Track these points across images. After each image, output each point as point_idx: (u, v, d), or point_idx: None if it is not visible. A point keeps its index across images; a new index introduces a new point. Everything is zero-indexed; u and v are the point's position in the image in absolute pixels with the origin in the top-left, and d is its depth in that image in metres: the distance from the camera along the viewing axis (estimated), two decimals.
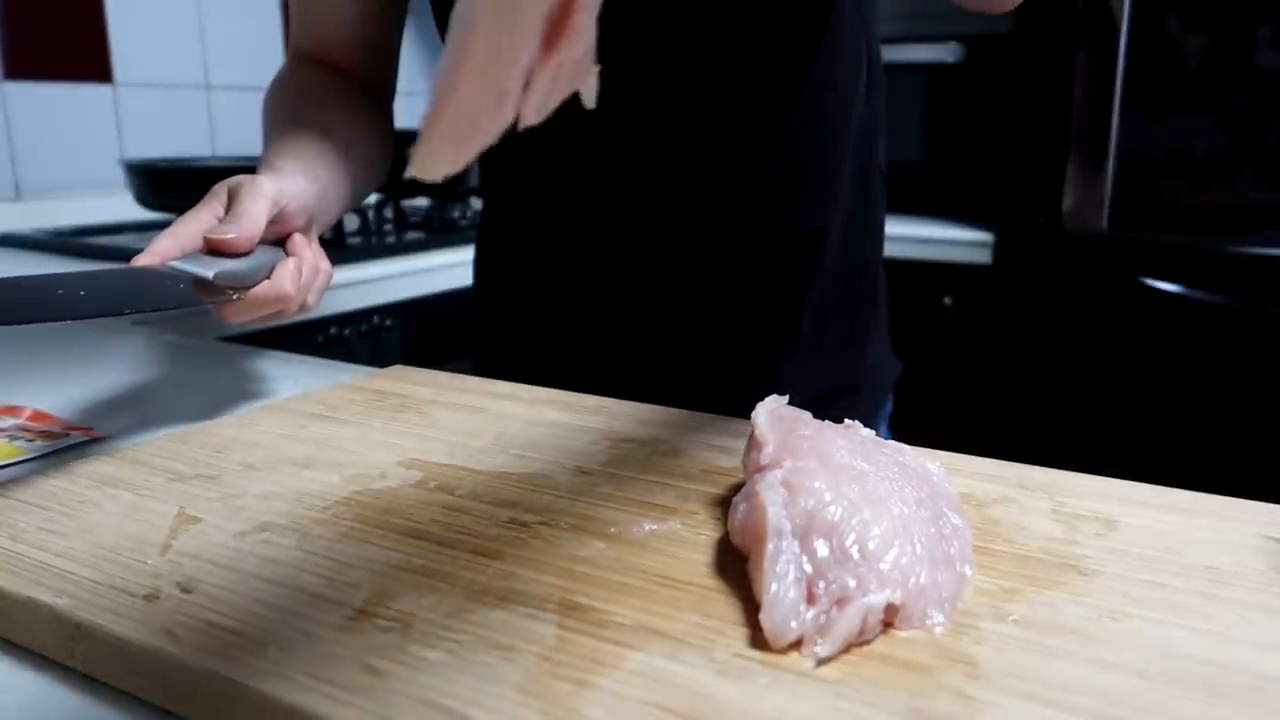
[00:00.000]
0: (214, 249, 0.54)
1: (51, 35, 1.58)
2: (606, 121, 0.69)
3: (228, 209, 0.57)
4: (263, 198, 0.57)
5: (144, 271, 0.52)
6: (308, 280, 0.59)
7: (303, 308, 0.60)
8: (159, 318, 1.04)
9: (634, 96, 0.67)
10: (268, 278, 0.56)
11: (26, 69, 1.55)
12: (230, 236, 0.54)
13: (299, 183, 0.61)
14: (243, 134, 1.85)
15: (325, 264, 0.62)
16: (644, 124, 0.68)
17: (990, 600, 0.34)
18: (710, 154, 0.68)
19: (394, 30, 0.79)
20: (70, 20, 1.60)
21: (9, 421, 0.59)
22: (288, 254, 0.59)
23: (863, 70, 0.72)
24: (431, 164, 0.24)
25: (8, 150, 1.54)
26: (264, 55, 1.89)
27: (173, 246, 0.54)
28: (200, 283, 0.52)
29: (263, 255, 0.57)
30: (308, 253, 0.60)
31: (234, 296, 0.54)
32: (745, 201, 0.69)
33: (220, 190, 0.58)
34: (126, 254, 1.42)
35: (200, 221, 0.56)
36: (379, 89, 0.79)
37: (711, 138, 0.68)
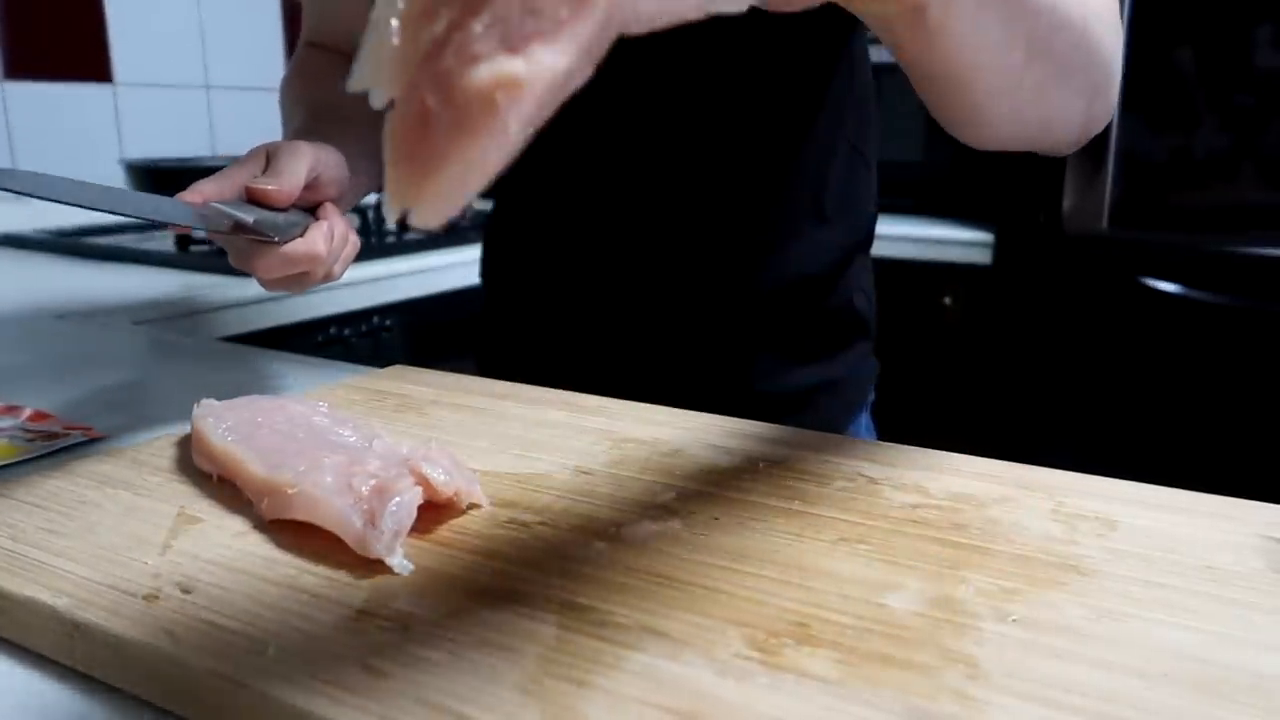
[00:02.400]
0: (254, 198, 0.55)
1: (51, 35, 1.58)
2: (614, 122, 0.69)
3: (265, 169, 0.58)
4: (302, 159, 0.58)
5: (188, 205, 0.54)
6: (338, 247, 0.60)
7: (328, 276, 0.60)
8: (158, 316, 1.04)
9: (643, 101, 0.67)
10: (301, 236, 0.57)
11: (26, 69, 1.55)
12: (271, 188, 0.55)
13: (335, 154, 0.61)
14: (243, 134, 1.85)
15: (354, 236, 0.63)
16: (652, 129, 0.68)
17: (990, 600, 0.34)
18: (712, 161, 0.69)
19: None
20: (70, 20, 1.60)
21: (9, 421, 0.59)
22: (318, 219, 0.60)
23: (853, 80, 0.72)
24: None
25: (8, 150, 1.54)
26: (264, 55, 1.89)
27: (215, 190, 0.55)
28: (240, 225, 0.54)
29: (295, 216, 0.58)
30: (339, 220, 0.61)
31: (274, 239, 0.55)
32: (745, 202, 0.69)
33: (259, 151, 0.59)
34: (127, 254, 1.42)
35: (241, 174, 0.57)
36: None
37: (715, 147, 0.68)
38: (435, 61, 0.21)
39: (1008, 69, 0.43)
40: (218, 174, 0.56)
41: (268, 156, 0.59)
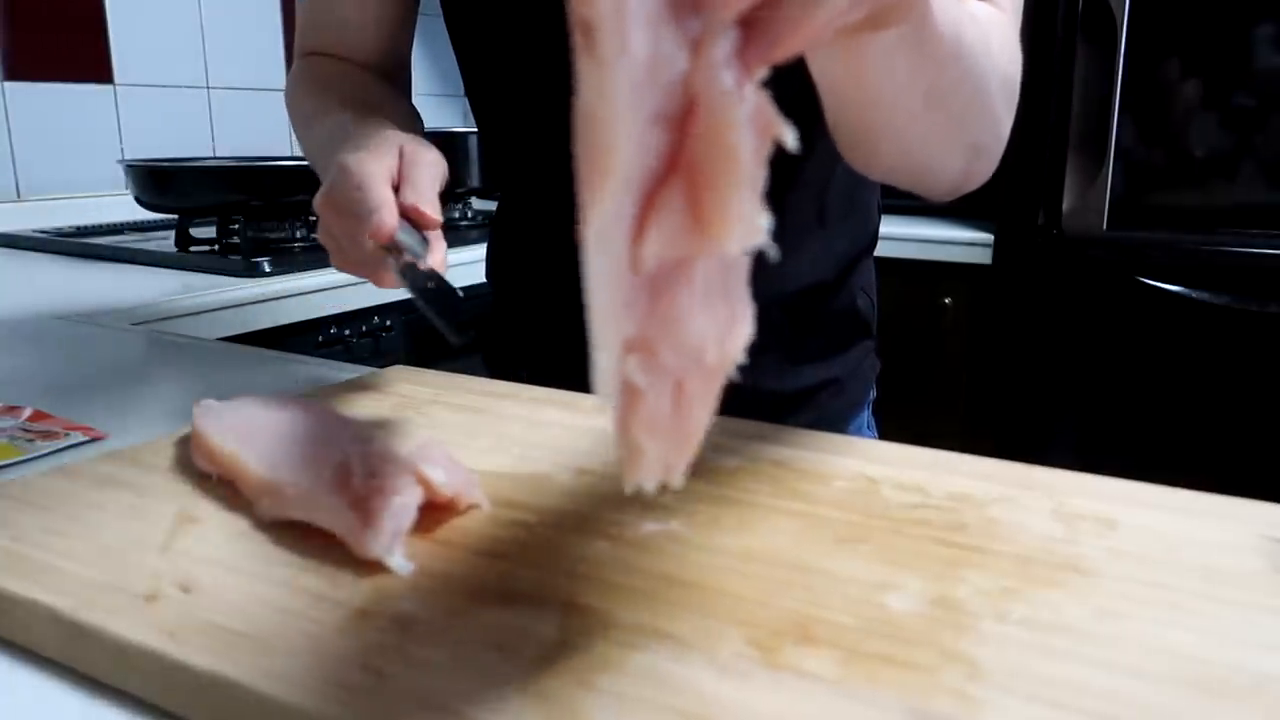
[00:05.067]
0: (410, 218, 0.53)
1: (51, 35, 1.58)
2: None
3: (399, 171, 0.55)
4: (437, 177, 0.56)
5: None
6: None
7: None
8: (158, 316, 1.04)
9: None
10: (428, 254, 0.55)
11: (26, 69, 1.55)
12: (430, 215, 0.53)
13: (442, 157, 0.59)
14: (243, 134, 1.85)
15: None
16: None
17: (990, 600, 0.34)
18: None
19: (407, 35, 0.80)
20: (70, 21, 1.60)
21: (9, 421, 0.59)
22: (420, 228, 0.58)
23: None
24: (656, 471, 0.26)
25: (8, 150, 1.54)
26: (264, 55, 1.89)
27: (393, 201, 0.52)
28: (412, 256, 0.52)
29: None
30: (440, 231, 0.59)
31: (420, 260, 0.53)
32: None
33: (393, 143, 0.56)
34: (127, 254, 1.42)
35: (387, 174, 0.54)
36: (399, 88, 0.80)
37: None
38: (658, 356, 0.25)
39: (903, 111, 0.45)
40: (373, 165, 0.53)
41: (401, 153, 0.56)
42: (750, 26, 0.24)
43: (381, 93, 0.74)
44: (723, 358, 0.25)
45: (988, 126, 0.52)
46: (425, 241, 0.54)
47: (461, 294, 0.51)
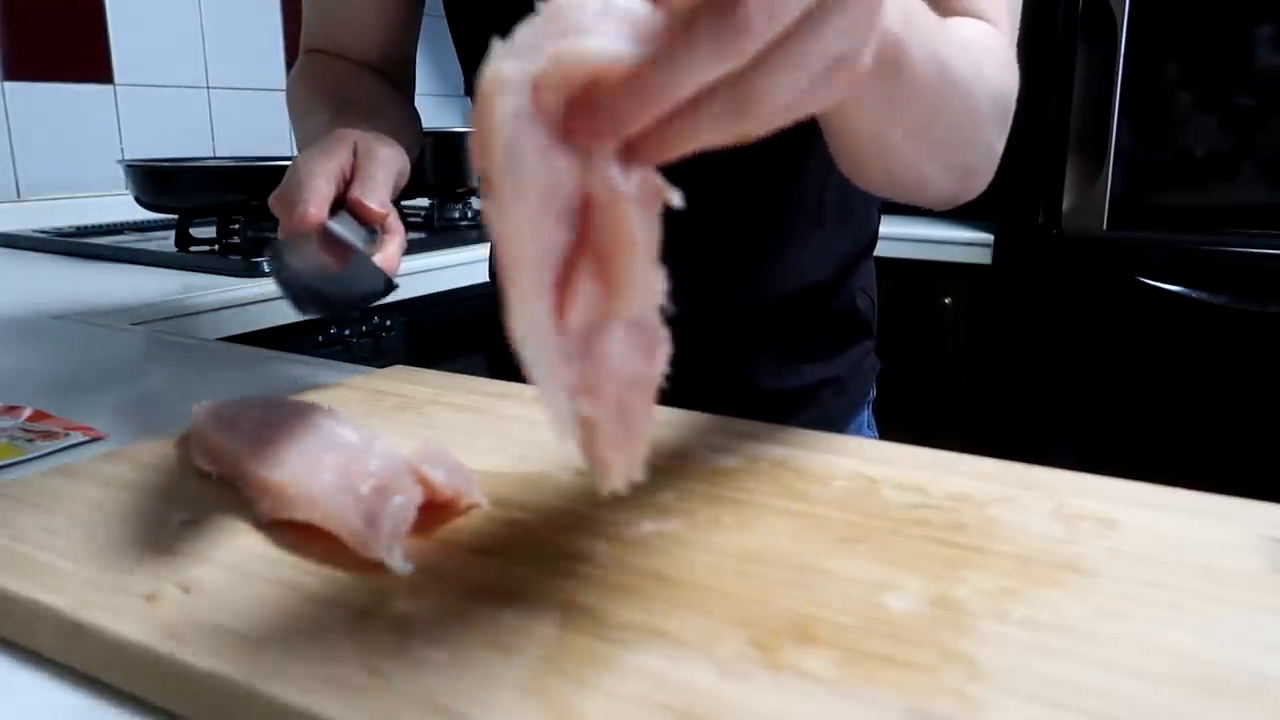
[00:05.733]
0: (355, 212, 0.53)
1: (51, 35, 1.58)
2: None
3: (352, 166, 0.56)
4: (391, 173, 0.56)
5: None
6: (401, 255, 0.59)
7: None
8: (158, 316, 1.04)
9: None
10: (379, 248, 0.56)
11: (26, 69, 1.55)
12: (375, 207, 0.53)
13: (401, 153, 0.60)
14: (243, 134, 1.85)
15: (404, 234, 0.62)
16: None
17: (990, 600, 0.34)
18: (715, 171, 0.68)
19: (412, 35, 0.80)
20: (70, 21, 1.60)
21: (9, 421, 0.59)
22: (383, 227, 0.58)
23: None
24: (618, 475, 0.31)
25: (8, 150, 1.54)
26: (264, 55, 1.89)
27: (330, 195, 0.53)
28: (350, 249, 0.52)
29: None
30: (401, 226, 0.59)
31: (367, 255, 0.54)
32: (747, 212, 0.70)
33: (347, 140, 0.57)
34: (127, 254, 1.42)
35: (336, 169, 0.54)
36: (401, 88, 0.80)
37: (717, 157, 0.68)
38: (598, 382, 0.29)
39: (887, 142, 0.46)
40: (316, 162, 0.54)
41: (355, 150, 0.57)
42: (640, 137, 0.27)
43: (376, 91, 0.74)
44: (653, 373, 0.31)
45: (978, 149, 0.53)
46: (374, 235, 0.55)
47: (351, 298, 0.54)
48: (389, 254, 0.55)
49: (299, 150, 0.73)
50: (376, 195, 0.54)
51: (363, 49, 0.78)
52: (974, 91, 0.48)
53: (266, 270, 0.54)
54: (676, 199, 0.28)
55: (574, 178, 0.27)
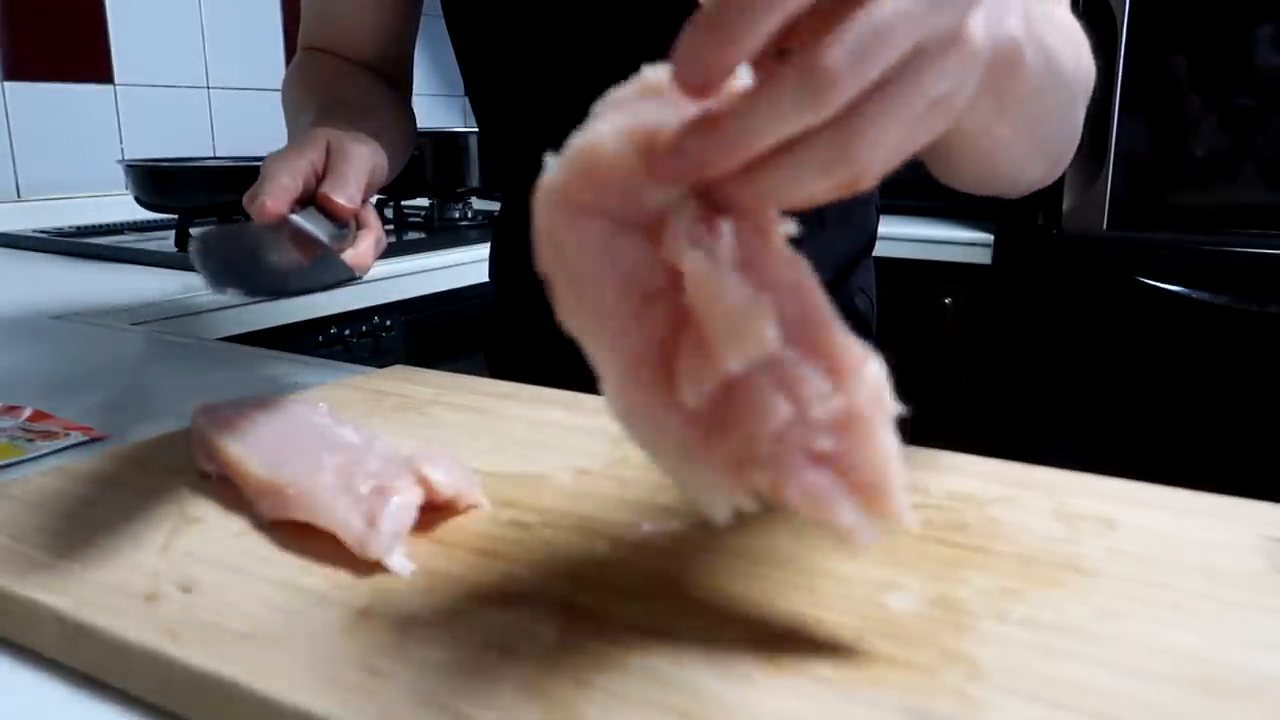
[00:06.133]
0: (323, 207, 0.54)
1: (51, 35, 1.58)
2: None
3: (325, 164, 0.57)
4: (362, 164, 0.57)
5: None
6: (377, 252, 0.60)
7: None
8: (158, 316, 1.04)
9: None
10: (350, 244, 0.57)
11: (26, 69, 1.55)
12: (343, 203, 0.54)
13: (378, 151, 0.60)
14: (243, 134, 1.85)
15: (383, 235, 0.63)
16: None
17: (990, 600, 0.34)
18: None
19: (409, 34, 0.80)
20: (70, 21, 1.60)
21: (9, 421, 0.59)
22: (358, 223, 0.59)
23: None
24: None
25: (8, 150, 1.54)
26: (264, 55, 1.89)
27: (292, 189, 0.53)
28: (317, 243, 0.53)
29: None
30: (378, 224, 0.60)
31: (335, 251, 0.55)
32: None
33: (320, 139, 0.58)
34: (127, 254, 1.42)
35: (304, 166, 0.55)
36: (398, 88, 0.80)
37: None
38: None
39: (989, 143, 0.43)
40: (284, 161, 0.55)
41: (329, 150, 0.58)
42: (733, 185, 0.26)
43: (369, 91, 0.75)
44: (850, 401, 0.26)
45: (1071, 136, 0.51)
46: (345, 231, 0.56)
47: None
48: (360, 251, 0.56)
49: None
50: (345, 192, 0.55)
51: (359, 47, 0.78)
52: (1074, 80, 0.46)
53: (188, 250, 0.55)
54: (793, 228, 0.27)
55: (647, 261, 0.26)
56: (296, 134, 0.66)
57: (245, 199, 0.55)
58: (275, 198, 0.52)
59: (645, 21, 0.64)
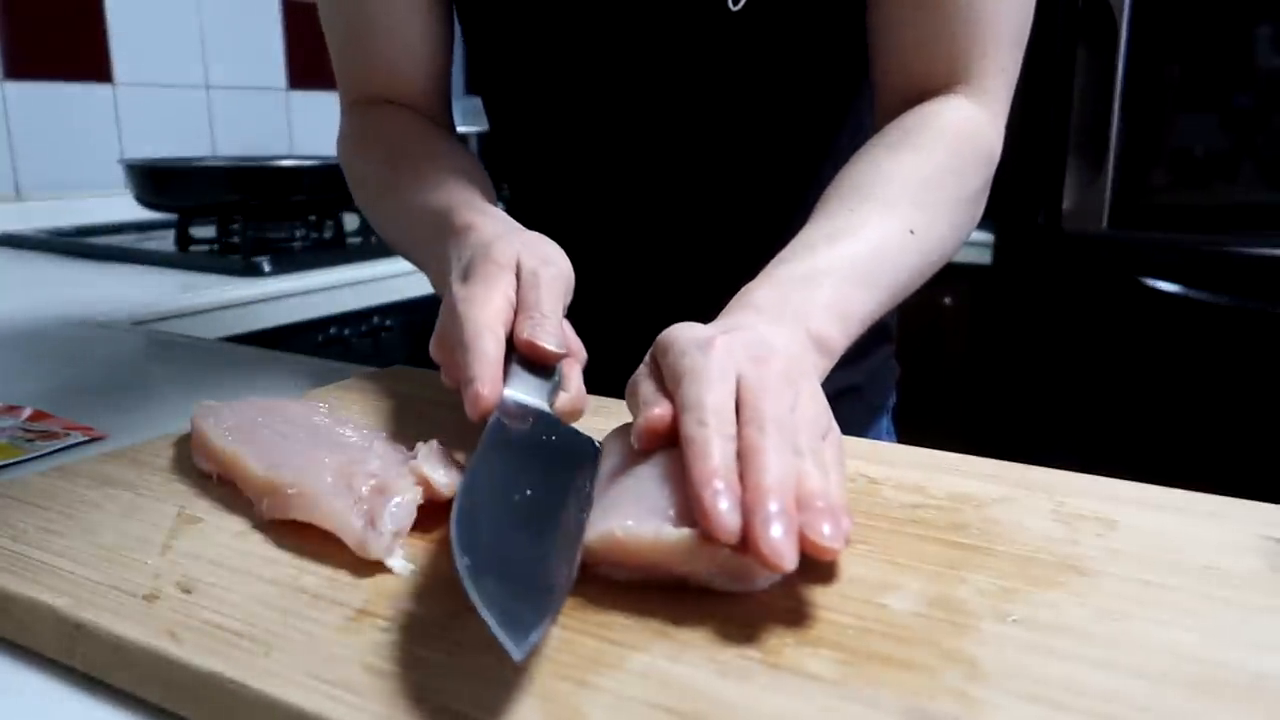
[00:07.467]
0: (529, 355, 0.45)
1: (51, 35, 1.58)
2: (636, 128, 0.68)
3: (517, 290, 0.47)
4: (560, 294, 0.48)
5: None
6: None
7: None
8: (158, 316, 1.04)
9: (667, 110, 0.67)
10: (559, 389, 0.46)
11: (26, 69, 1.55)
12: (554, 350, 0.45)
13: (564, 258, 0.51)
14: (242, 134, 1.85)
15: (583, 349, 0.51)
16: (674, 139, 0.68)
17: (990, 600, 0.34)
18: (733, 174, 0.69)
19: (450, 64, 0.75)
20: (70, 20, 1.60)
21: (9, 421, 0.59)
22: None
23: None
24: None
25: (8, 150, 1.54)
26: (264, 55, 1.89)
27: (499, 357, 0.43)
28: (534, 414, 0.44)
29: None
30: (576, 341, 0.50)
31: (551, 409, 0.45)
32: (758, 212, 0.69)
33: (507, 263, 0.48)
34: (127, 254, 1.42)
35: (501, 307, 0.46)
36: (445, 118, 0.75)
37: (736, 161, 0.68)
38: None
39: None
40: (477, 307, 0.45)
41: (518, 273, 0.48)
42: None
43: (452, 149, 0.68)
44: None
45: (965, 238, 0.61)
46: (555, 376, 0.46)
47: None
48: (573, 393, 0.46)
49: (382, 230, 0.69)
50: (551, 333, 0.45)
51: (415, 88, 0.72)
52: (946, 241, 0.56)
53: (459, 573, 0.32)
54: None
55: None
56: (418, 224, 0.61)
57: (435, 350, 0.48)
58: (492, 384, 0.42)
59: (649, 22, 0.63)
